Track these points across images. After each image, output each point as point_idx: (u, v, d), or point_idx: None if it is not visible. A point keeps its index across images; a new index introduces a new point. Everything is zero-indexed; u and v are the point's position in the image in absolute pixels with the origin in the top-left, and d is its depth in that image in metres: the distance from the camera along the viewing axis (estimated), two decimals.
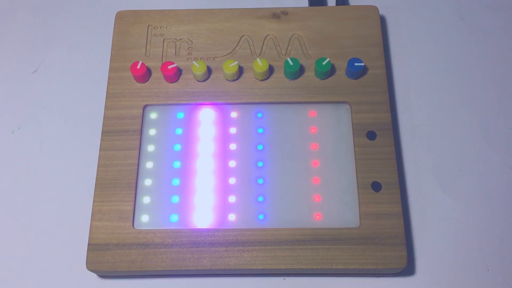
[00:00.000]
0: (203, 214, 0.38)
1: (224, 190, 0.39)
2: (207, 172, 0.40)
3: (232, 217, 0.38)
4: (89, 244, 0.37)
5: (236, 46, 0.44)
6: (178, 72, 0.42)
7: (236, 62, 0.42)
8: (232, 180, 0.39)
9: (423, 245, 0.39)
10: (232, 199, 0.39)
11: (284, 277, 0.39)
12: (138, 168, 0.39)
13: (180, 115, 0.42)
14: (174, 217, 0.38)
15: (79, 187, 0.41)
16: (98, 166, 0.39)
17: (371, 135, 0.40)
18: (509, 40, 0.47)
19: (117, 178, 0.39)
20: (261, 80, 0.42)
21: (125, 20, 0.45)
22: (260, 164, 0.40)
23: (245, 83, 0.42)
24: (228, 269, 0.37)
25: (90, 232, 0.38)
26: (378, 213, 0.38)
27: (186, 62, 0.43)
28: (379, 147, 0.40)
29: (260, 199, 0.39)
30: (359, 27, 0.44)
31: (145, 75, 0.42)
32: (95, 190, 0.39)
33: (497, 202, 0.41)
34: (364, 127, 0.40)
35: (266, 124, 0.41)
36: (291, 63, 0.41)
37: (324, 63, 0.41)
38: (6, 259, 0.40)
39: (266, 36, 0.44)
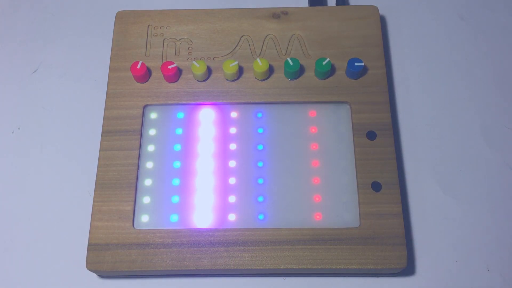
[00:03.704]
0: (203, 214, 0.38)
1: (224, 190, 0.39)
2: (207, 172, 0.40)
3: (232, 217, 0.38)
4: (89, 244, 0.37)
5: (236, 46, 0.44)
6: (178, 72, 0.42)
7: (236, 62, 0.42)
8: (232, 180, 0.39)
9: (423, 245, 0.39)
10: (232, 199, 0.39)
11: (284, 277, 0.39)
12: (138, 168, 0.39)
13: (180, 115, 0.42)
14: (174, 217, 0.38)
15: (79, 187, 0.41)
16: (98, 166, 0.39)
17: (371, 135, 0.40)
18: (509, 40, 0.47)
19: (117, 178, 0.39)
20: (261, 80, 0.42)
21: (125, 20, 0.45)
22: (260, 164, 0.40)
23: (245, 83, 0.42)
24: (228, 269, 0.37)
25: (90, 232, 0.38)
26: (378, 213, 0.38)
27: (186, 62, 0.43)
28: (379, 147, 0.40)
29: (260, 199, 0.39)
30: (359, 27, 0.44)
31: (145, 75, 0.42)
32: (95, 190, 0.39)
33: (497, 202, 0.41)
34: (364, 127, 0.40)
35: (266, 124, 0.41)
36: (291, 63, 0.41)
37: (324, 63, 0.41)
38: (6, 259, 0.40)
39: (266, 36, 0.44)
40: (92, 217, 0.38)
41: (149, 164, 0.40)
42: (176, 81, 0.42)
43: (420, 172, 0.42)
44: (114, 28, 0.45)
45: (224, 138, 0.41)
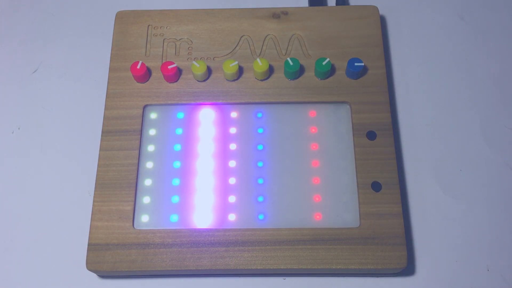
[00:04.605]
0: (203, 214, 0.38)
1: (224, 190, 0.39)
2: (207, 172, 0.40)
3: (232, 217, 0.38)
4: (89, 244, 0.37)
5: (236, 46, 0.44)
6: (178, 72, 0.42)
7: (236, 62, 0.42)
8: (232, 180, 0.39)
9: (423, 245, 0.39)
10: (232, 199, 0.39)
11: (284, 277, 0.39)
12: (138, 168, 0.39)
13: (180, 115, 0.42)
14: (174, 217, 0.38)
15: (79, 187, 0.41)
16: (98, 166, 0.39)
17: (371, 135, 0.40)
18: (509, 40, 0.47)
19: (117, 178, 0.39)
20: (261, 80, 0.42)
21: (125, 20, 0.45)
22: (260, 164, 0.40)
23: (245, 83, 0.42)
24: (228, 269, 0.37)
25: (90, 232, 0.38)
26: (378, 213, 0.38)
27: (186, 62, 0.43)
28: (379, 147, 0.40)
29: (260, 199, 0.39)
30: (359, 27, 0.44)
31: (145, 75, 0.42)
32: (95, 190, 0.39)
33: (497, 202, 0.41)
34: (364, 127, 0.40)
35: (266, 124, 0.41)
36: (291, 63, 0.41)
37: (324, 63, 0.41)
38: (6, 259, 0.40)
39: (266, 36, 0.44)
40: (92, 217, 0.38)
41: (149, 164, 0.40)
42: (176, 81, 0.42)
43: (420, 172, 0.42)
44: (114, 28, 0.45)
45: (224, 138, 0.41)
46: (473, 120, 0.44)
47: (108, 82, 0.42)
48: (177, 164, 0.40)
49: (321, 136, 0.41)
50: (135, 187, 0.39)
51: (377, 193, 0.38)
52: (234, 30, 0.44)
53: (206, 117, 0.42)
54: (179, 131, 0.41)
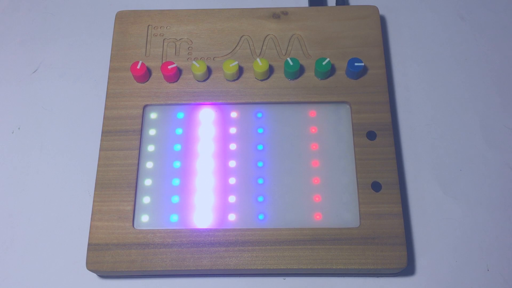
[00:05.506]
0: (203, 214, 0.38)
1: (224, 190, 0.39)
2: (207, 172, 0.40)
3: (232, 217, 0.38)
4: (89, 244, 0.37)
5: (236, 46, 0.44)
6: (178, 72, 0.42)
7: (236, 62, 0.42)
8: (232, 180, 0.39)
9: (423, 245, 0.39)
10: (232, 199, 0.39)
11: (284, 277, 0.39)
12: (138, 168, 0.39)
13: (180, 115, 0.42)
14: (174, 217, 0.38)
15: (79, 187, 0.41)
16: (98, 166, 0.39)
17: (371, 135, 0.40)
18: (509, 40, 0.47)
19: (117, 178, 0.39)
20: (261, 80, 0.42)
21: (125, 20, 0.45)
22: (260, 164, 0.40)
23: (245, 83, 0.42)
24: (228, 269, 0.37)
25: (90, 232, 0.38)
26: (378, 213, 0.38)
27: (186, 62, 0.43)
28: (379, 147, 0.40)
29: (260, 199, 0.39)
30: (359, 27, 0.44)
31: (145, 75, 0.42)
32: (95, 190, 0.39)
33: (497, 202, 0.41)
34: (364, 127, 0.40)
35: (266, 124, 0.41)
36: (291, 63, 0.41)
37: (324, 63, 0.41)
38: (6, 259, 0.40)
39: (266, 36, 0.44)
40: (92, 217, 0.38)
41: (149, 164, 0.40)
42: (176, 81, 0.42)
43: (420, 172, 0.42)
44: (114, 28, 0.45)
45: (224, 138, 0.41)
46: (473, 120, 0.44)
47: (108, 82, 0.42)
48: (177, 164, 0.40)
49: (321, 136, 0.41)
50: (135, 187, 0.39)
51: (377, 193, 0.38)
52: (234, 30, 0.44)
53: (206, 117, 0.42)
54: (179, 131, 0.41)
